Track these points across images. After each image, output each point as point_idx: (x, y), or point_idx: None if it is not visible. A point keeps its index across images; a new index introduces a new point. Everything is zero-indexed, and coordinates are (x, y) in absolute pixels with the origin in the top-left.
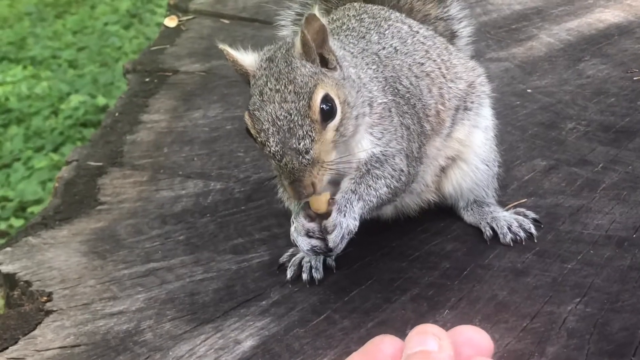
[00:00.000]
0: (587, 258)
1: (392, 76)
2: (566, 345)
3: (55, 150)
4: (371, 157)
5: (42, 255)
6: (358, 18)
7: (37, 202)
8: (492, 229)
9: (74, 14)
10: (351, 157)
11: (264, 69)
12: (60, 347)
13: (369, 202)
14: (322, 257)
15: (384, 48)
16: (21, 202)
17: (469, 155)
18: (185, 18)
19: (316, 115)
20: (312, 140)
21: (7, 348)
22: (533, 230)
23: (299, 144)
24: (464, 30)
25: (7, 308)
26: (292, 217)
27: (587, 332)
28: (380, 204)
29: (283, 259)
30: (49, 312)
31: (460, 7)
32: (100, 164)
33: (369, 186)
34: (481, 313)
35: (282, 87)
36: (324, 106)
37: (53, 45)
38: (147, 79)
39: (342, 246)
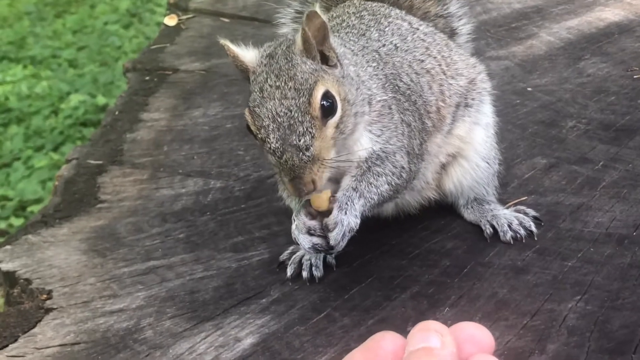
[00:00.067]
0: (588, 256)
1: (392, 73)
2: (567, 343)
3: (55, 149)
4: (372, 154)
5: (42, 253)
6: (358, 15)
7: (37, 201)
8: (493, 226)
9: (74, 13)
10: (351, 155)
11: (264, 65)
12: (60, 345)
13: (370, 200)
14: (322, 255)
15: (384, 45)
16: (21, 202)
17: (470, 152)
18: (185, 17)
19: (316, 111)
20: (313, 137)
21: (7, 346)
22: (533, 228)
23: (299, 140)
24: (464, 27)
25: (7, 306)
26: (293, 214)
27: (587, 329)
28: (381, 201)
29: (283, 256)
30: (48, 310)
31: (459, 4)
32: (100, 162)
33: (370, 183)
34: (481, 311)
35: (283, 84)
36: (324, 103)
37: (53, 44)
38: (147, 78)
39: (343, 244)
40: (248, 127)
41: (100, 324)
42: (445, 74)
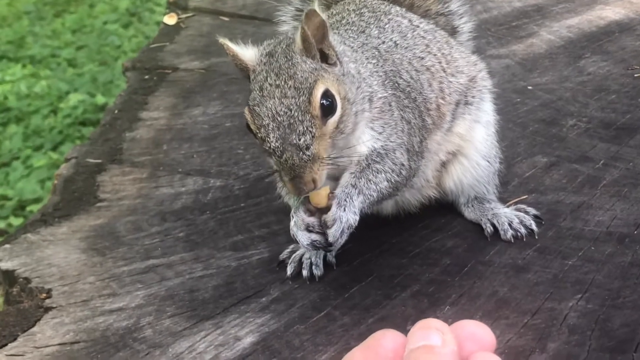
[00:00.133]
0: (588, 254)
1: (392, 70)
2: (567, 342)
3: (54, 149)
4: (372, 151)
5: (42, 252)
6: (358, 12)
7: (36, 200)
8: (493, 225)
9: (73, 12)
10: (351, 152)
11: (264, 64)
12: (59, 344)
13: (369, 197)
14: (322, 254)
15: (383, 42)
16: (20, 201)
17: (470, 150)
18: (184, 15)
19: (316, 110)
20: (313, 136)
21: (6, 345)
22: (534, 227)
23: (299, 139)
24: (465, 26)
25: (6, 305)
26: (292, 211)
27: (588, 328)
28: (380, 198)
29: (283, 255)
30: (48, 309)
31: (460, 2)
32: (99, 161)
33: (369, 180)
34: (482, 309)
35: (282, 83)
36: (324, 102)
37: (52, 44)
38: (146, 77)
39: (342, 241)
40: (248, 126)
41: (99, 322)
42: (445, 72)
